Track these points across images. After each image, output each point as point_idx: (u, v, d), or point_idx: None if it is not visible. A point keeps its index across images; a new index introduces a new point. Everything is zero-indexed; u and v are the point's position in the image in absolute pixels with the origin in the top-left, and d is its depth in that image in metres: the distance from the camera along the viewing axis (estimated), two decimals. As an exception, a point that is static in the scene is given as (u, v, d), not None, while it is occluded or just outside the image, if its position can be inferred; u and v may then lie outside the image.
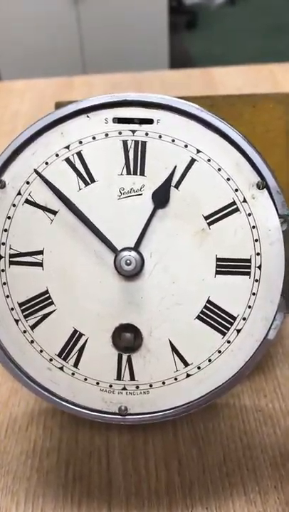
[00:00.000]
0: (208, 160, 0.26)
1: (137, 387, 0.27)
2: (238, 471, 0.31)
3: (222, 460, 0.31)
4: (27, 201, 0.27)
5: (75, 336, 0.27)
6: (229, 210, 0.26)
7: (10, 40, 1.70)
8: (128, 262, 0.26)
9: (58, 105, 0.34)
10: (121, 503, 0.29)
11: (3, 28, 1.68)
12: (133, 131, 0.27)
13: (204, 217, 0.27)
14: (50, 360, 0.28)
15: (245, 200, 0.26)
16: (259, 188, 0.26)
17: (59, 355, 0.27)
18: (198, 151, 0.26)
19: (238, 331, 0.27)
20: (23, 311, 0.27)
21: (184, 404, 0.27)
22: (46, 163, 0.27)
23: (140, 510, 0.29)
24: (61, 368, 0.28)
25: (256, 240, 0.26)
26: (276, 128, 0.33)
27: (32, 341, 0.27)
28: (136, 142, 0.27)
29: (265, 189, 0.26)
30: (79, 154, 0.27)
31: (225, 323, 0.27)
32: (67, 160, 0.27)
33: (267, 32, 2.71)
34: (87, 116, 0.27)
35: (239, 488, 0.30)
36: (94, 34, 1.77)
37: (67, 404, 0.28)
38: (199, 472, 0.31)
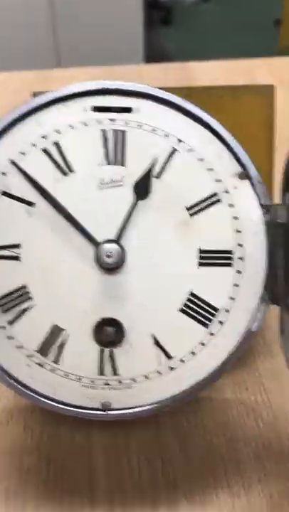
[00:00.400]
0: (190, 150, 0.26)
1: (120, 382, 0.27)
2: (222, 464, 0.30)
3: (205, 454, 0.31)
4: (3, 193, 0.26)
5: (55, 331, 0.27)
6: (211, 201, 0.26)
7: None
8: (109, 254, 0.26)
9: (36, 95, 0.33)
10: (104, 501, 0.29)
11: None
12: (112, 120, 0.26)
13: (186, 208, 0.26)
14: (30, 356, 0.27)
15: (227, 191, 0.26)
16: (241, 179, 0.26)
17: (38, 351, 0.27)
18: (180, 141, 0.26)
19: (221, 322, 0.27)
20: (1, 306, 0.27)
21: (167, 399, 0.27)
22: (22, 154, 0.26)
23: (124, 507, 0.29)
24: (40, 365, 0.27)
25: (238, 231, 0.26)
26: (257, 120, 0.33)
27: (10, 337, 0.27)
28: (115, 131, 0.26)
29: (247, 179, 0.26)
30: (56, 144, 0.26)
31: (208, 315, 0.27)
32: (45, 150, 0.26)
33: (241, 28, 2.73)
34: (64, 105, 0.26)
35: (223, 481, 0.29)
36: (69, 28, 1.75)
37: (48, 401, 0.27)
38: (182, 467, 0.30)
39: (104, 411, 0.27)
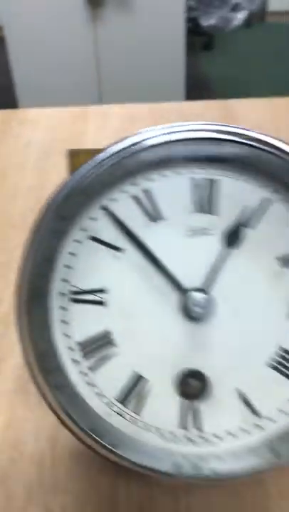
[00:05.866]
0: (284, 200, 0.27)
1: (203, 438, 0.27)
2: None
3: None
4: (92, 238, 0.28)
5: (137, 380, 0.28)
6: (304, 252, 0.27)
7: (29, 67, 1.75)
8: (197, 303, 0.27)
9: (72, 154, 0.35)
10: None
11: (24, 56, 1.73)
12: (204, 169, 0.27)
13: (278, 259, 0.27)
14: (109, 404, 0.28)
15: None
16: None
17: (118, 400, 0.28)
18: (274, 191, 0.27)
19: (312, 379, 0.27)
20: (82, 351, 0.28)
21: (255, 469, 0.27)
22: (112, 200, 0.28)
23: None
24: (120, 414, 0.28)
25: None
26: None
27: (90, 384, 0.28)
28: (207, 180, 0.27)
29: None
30: (146, 191, 0.28)
31: (298, 372, 0.27)
32: (134, 197, 0.28)
33: (283, 55, 2.78)
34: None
35: None
36: (111, 54, 1.83)
37: (124, 455, 0.27)
38: None
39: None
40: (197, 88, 2.40)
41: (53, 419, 0.36)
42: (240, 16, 3.11)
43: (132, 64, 1.85)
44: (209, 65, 2.72)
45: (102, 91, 1.88)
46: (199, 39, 2.86)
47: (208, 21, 3.01)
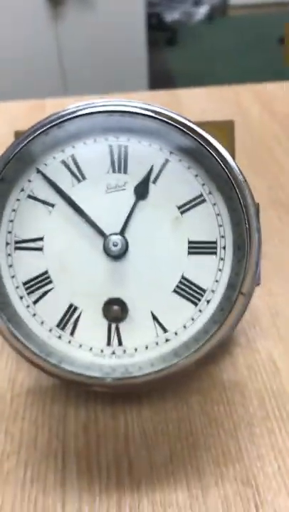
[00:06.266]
0: (179, 160, 0.34)
1: (124, 352, 0.34)
2: (183, 469, 0.35)
3: (168, 459, 0.35)
4: (28, 196, 0.34)
5: (71, 309, 0.35)
6: (198, 201, 0.34)
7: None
8: (115, 243, 0.34)
9: (17, 134, 0.41)
10: (74, 501, 0.34)
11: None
12: (117, 138, 0.34)
13: (178, 207, 0.34)
14: (50, 330, 0.35)
15: (210, 193, 0.34)
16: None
17: (58, 326, 0.35)
18: (171, 153, 0.34)
19: (208, 301, 0.34)
20: (26, 289, 0.34)
21: (163, 369, 0.34)
22: (45, 164, 0.34)
23: (92, 506, 0.34)
24: (59, 337, 0.35)
25: (220, 225, 0.34)
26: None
27: (34, 314, 0.35)
28: (120, 146, 0.34)
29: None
30: (72, 156, 0.34)
31: (197, 296, 0.34)
32: (63, 161, 0.34)
33: (246, 48, 2.86)
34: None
35: (183, 484, 0.34)
36: (73, 53, 1.88)
37: (64, 367, 0.34)
38: (147, 470, 0.35)
39: (111, 379, 0.34)
40: (161, 84, 2.47)
41: (12, 365, 0.43)
42: (203, 11, 3.19)
43: (95, 61, 1.91)
44: (173, 60, 2.79)
45: (67, 90, 1.94)
46: (162, 34, 2.93)
47: (171, 16, 3.07)
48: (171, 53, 2.87)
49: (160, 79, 2.47)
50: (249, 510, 0.33)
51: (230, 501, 0.34)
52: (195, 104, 0.83)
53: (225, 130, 0.41)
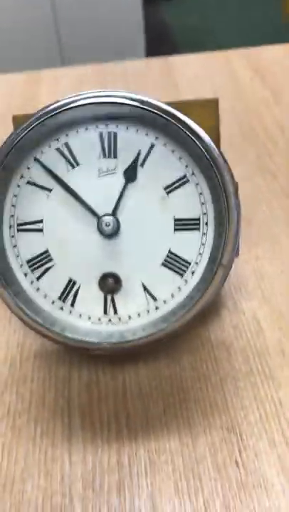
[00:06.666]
0: (164, 144, 0.37)
1: (119, 319, 0.39)
2: (175, 420, 0.39)
3: (162, 412, 0.39)
4: (27, 182, 0.38)
5: (71, 283, 0.39)
6: (182, 181, 0.38)
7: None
8: (107, 223, 0.37)
9: (15, 119, 0.43)
10: (79, 451, 0.38)
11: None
12: (106, 125, 0.37)
13: (164, 188, 0.38)
14: (53, 302, 0.39)
15: (193, 173, 0.38)
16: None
17: (59, 299, 0.39)
18: (156, 138, 0.37)
19: (193, 272, 0.38)
20: (29, 266, 0.38)
21: (153, 333, 0.38)
22: (42, 152, 0.38)
23: (95, 456, 0.38)
24: (61, 308, 0.39)
25: (203, 203, 0.38)
26: (204, 129, 0.38)
27: (38, 289, 0.39)
28: (109, 133, 0.37)
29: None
30: (66, 144, 0.38)
31: (183, 268, 0.38)
32: (58, 149, 0.38)
33: (244, 3, 2.79)
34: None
35: (175, 433, 0.39)
36: (68, 10, 1.85)
37: (68, 335, 0.39)
38: (143, 422, 0.39)
39: (108, 344, 0.38)
40: (158, 39, 2.43)
41: (20, 331, 0.48)
42: None
43: (91, 16, 1.88)
44: (170, 14, 2.73)
45: (63, 53, 1.92)
46: (158, -12, 2.85)
47: None
48: (167, 7, 2.80)
49: (157, 35, 2.43)
50: (233, 454, 0.38)
51: (216, 447, 0.38)
52: (188, 71, 0.85)
53: (210, 108, 0.43)
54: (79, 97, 0.36)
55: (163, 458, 0.38)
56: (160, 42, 2.42)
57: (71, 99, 0.36)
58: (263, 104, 0.75)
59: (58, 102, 0.37)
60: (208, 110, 0.43)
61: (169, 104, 0.36)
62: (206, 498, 0.36)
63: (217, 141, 0.44)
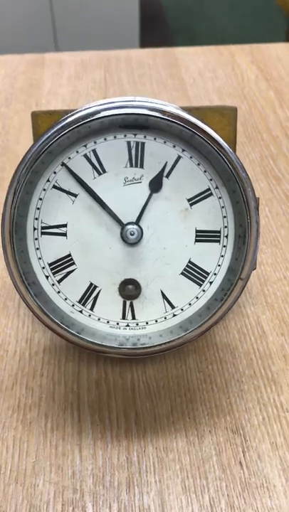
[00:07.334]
0: (191, 157, 0.38)
1: (137, 324, 0.40)
2: (182, 419, 0.40)
3: (169, 411, 0.41)
4: (54, 186, 0.38)
5: (91, 287, 0.39)
6: (205, 194, 0.38)
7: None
8: (132, 232, 0.38)
9: (34, 115, 0.43)
10: (89, 447, 0.39)
11: None
12: (135, 134, 0.38)
13: (187, 200, 0.39)
14: (73, 305, 0.40)
15: (217, 187, 0.39)
16: (227, 179, 0.38)
17: (79, 302, 0.39)
18: (183, 150, 0.38)
19: (211, 283, 0.39)
20: (51, 269, 0.39)
21: (171, 341, 0.39)
22: (69, 158, 0.38)
23: (105, 451, 0.39)
24: (80, 311, 0.40)
25: (225, 217, 0.39)
26: (222, 137, 0.38)
27: (58, 292, 0.39)
28: (137, 143, 0.38)
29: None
30: (94, 151, 0.38)
31: (201, 277, 0.39)
32: (85, 155, 0.38)
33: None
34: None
35: (182, 432, 0.39)
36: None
37: (86, 337, 0.40)
38: (151, 421, 0.40)
39: (126, 348, 0.39)
40: (152, 18, 2.38)
41: (28, 326, 0.48)
42: None
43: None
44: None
45: (56, 29, 1.87)
46: None
47: None
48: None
49: (151, 13, 2.39)
50: (237, 455, 0.40)
51: (221, 447, 0.40)
52: (191, 64, 0.85)
53: (229, 117, 0.44)
54: (109, 105, 0.37)
55: (171, 456, 0.40)
56: (155, 20, 2.38)
57: (101, 107, 0.37)
58: (268, 104, 0.76)
59: (88, 108, 0.37)
60: (227, 119, 0.44)
61: (190, 112, 0.37)
62: (212, 496, 0.38)
63: (234, 150, 0.45)
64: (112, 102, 0.37)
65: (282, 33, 2.31)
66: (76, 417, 0.42)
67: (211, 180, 0.38)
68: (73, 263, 0.39)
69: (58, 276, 0.39)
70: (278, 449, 0.40)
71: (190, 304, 0.39)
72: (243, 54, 0.86)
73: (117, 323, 0.40)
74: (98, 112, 0.36)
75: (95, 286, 0.39)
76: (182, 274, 0.39)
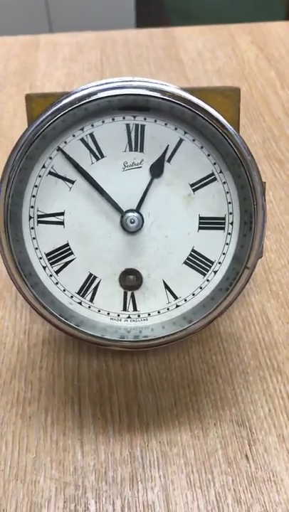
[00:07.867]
0: (193, 140, 0.36)
1: (139, 316, 0.38)
2: (186, 412, 0.39)
3: (173, 404, 0.39)
4: (50, 173, 0.36)
5: (91, 278, 0.38)
6: (209, 179, 0.37)
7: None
8: (132, 220, 0.36)
9: (28, 98, 0.41)
10: (91, 441, 0.39)
11: None
12: (134, 117, 0.36)
13: (190, 185, 0.37)
14: (71, 297, 0.38)
15: (221, 171, 0.37)
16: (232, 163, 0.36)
17: (78, 293, 0.38)
18: (185, 133, 0.36)
19: (215, 272, 0.38)
20: (49, 259, 0.37)
21: (174, 333, 0.38)
22: (65, 142, 0.36)
23: (107, 446, 0.38)
24: (80, 303, 0.38)
25: (229, 203, 0.37)
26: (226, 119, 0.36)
27: (57, 283, 0.38)
28: (136, 125, 0.36)
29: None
30: (91, 135, 0.36)
31: (205, 267, 0.38)
32: (82, 139, 0.36)
33: None
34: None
35: (186, 426, 0.39)
36: None
37: (85, 330, 0.38)
38: (154, 414, 0.39)
39: (127, 341, 0.37)
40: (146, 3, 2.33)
41: (26, 317, 0.47)
42: None
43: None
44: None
45: (49, 8, 1.83)
46: None
47: None
48: None
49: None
50: (244, 448, 0.38)
51: (227, 440, 0.39)
52: (190, 45, 0.82)
53: (232, 98, 0.42)
54: (107, 86, 0.35)
55: (175, 450, 0.38)
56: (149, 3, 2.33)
57: (98, 88, 0.35)
58: (269, 85, 0.73)
59: (84, 89, 0.35)
60: (229, 100, 0.42)
61: (192, 92, 0.35)
62: (218, 491, 0.37)
63: (238, 132, 0.43)
64: (110, 83, 0.35)
65: (281, 14, 2.27)
66: (77, 410, 0.40)
67: (214, 164, 0.36)
68: (71, 253, 0.37)
69: (56, 267, 0.37)
70: (285, 442, 0.39)
71: (194, 295, 0.38)
72: (243, 33, 0.83)
73: (118, 315, 0.38)
74: (95, 93, 0.34)
75: (95, 277, 0.37)
76: (185, 263, 0.37)
